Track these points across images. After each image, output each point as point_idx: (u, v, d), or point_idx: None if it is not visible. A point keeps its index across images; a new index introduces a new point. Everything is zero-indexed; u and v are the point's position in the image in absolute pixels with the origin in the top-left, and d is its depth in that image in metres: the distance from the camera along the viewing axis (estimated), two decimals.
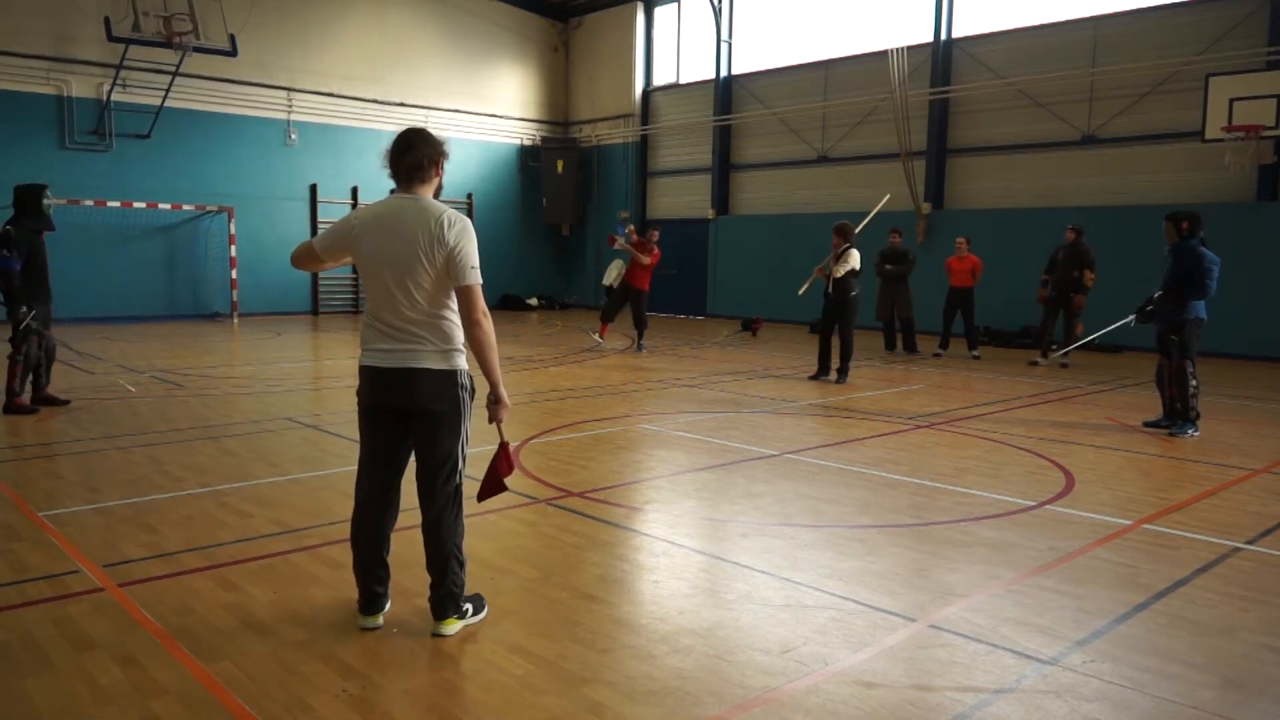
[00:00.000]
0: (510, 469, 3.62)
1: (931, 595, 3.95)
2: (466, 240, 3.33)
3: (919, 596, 3.94)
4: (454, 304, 3.41)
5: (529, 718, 2.87)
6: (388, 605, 3.64)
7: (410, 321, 3.35)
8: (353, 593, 3.68)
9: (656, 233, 14.02)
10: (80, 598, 3.79)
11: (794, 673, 3.19)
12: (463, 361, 3.46)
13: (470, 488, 3.66)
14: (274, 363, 11.87)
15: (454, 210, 3.39)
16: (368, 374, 3.44)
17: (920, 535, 4.83)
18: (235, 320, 18.31)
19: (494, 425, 3.55)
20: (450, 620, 3.49)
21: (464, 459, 3.53)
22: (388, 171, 3.44)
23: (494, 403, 3.48)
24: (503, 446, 3.62)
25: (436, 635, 3.47)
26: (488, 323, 3.37)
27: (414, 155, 3.36)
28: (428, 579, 3.55)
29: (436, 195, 3.49)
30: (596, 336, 14.03)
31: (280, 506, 5.18)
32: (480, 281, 3.37)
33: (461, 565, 3.51)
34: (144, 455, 6.44)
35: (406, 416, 3.45)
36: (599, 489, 5.69)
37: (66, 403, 8.26)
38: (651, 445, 7.11)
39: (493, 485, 3.61)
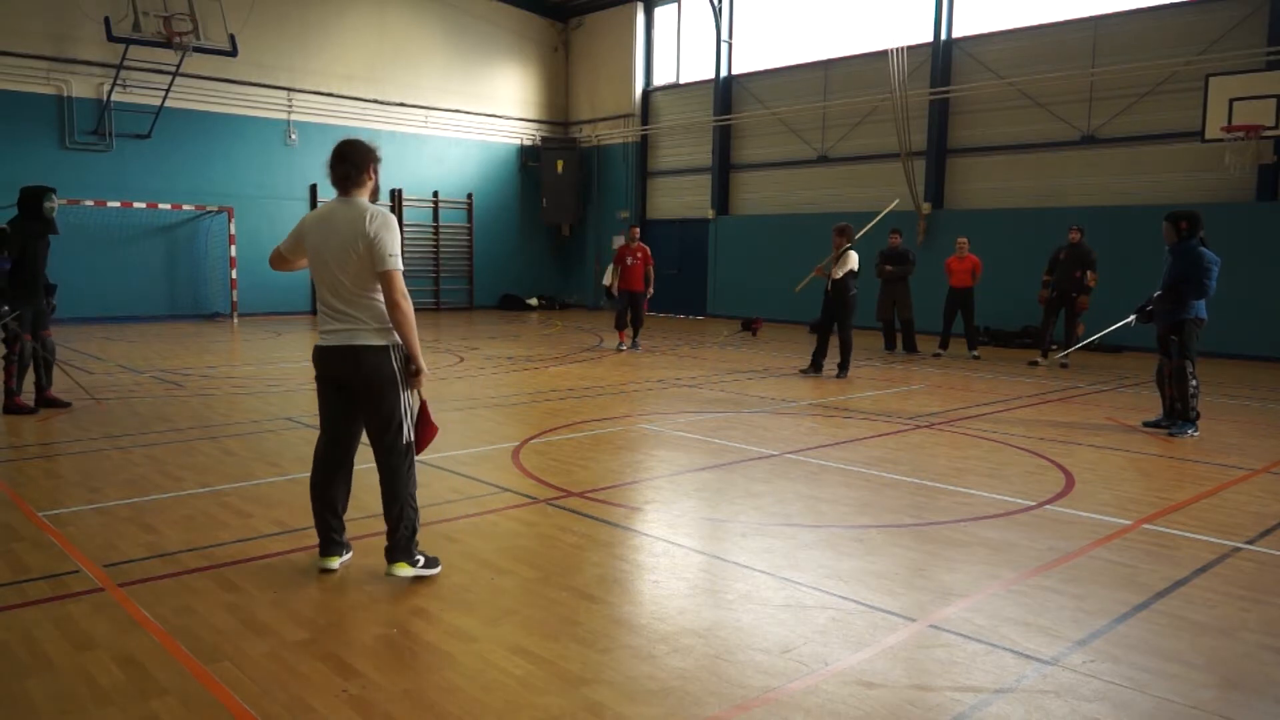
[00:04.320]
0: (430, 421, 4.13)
1: (931, 595, 3.95)
2: (385, 231, 3.82)
3: (919, 596, 3.94)
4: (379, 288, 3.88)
5: (529, 718, 2.87)
6: (346, 554, 4.15)
7: (347, 304, 3.86)
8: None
9: (637, 229, 14.07)
10: (80, 598, 3.79)
11: (794, 673, 3.19)
12: (396, 337, 3.92)
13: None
14: (274, 363, 11.87)
15: (379, 208, 3.92)
16: (320, 352, 3.97)
17: (920, 535, 4.83)
18: (235, 320, 18.31)
19: (415, 389, 4.03)
20: (402, 564, 3.93)
21: (410, 418, 3.98)
22: (330, 181, 3.97)
23: (415, 373, 3.96)
24: (424, 404, 4.10)
25: (390, 576, 3.92)
26: (407, 304, 3.85)
27: (342, 167, 3.91)
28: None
29: (375, 195, 4.03)
30: (620, 346, 13.88)
31: (280, 506, 5.18)
32: (400, 268, 3.84)
33: (415, 512, 3.98)
34: (144, 455, 6.44)
35: (350, 391, 3.96)
36: (599, 489, 5.69)
37: (68, 405, 8.25)
38: (651, 445, 7.11)
39: (425, 435, 4.07)
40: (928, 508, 5.36)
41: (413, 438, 3.99)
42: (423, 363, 3.96)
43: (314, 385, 4.14)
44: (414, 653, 3.34)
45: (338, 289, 3.85)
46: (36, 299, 7.91)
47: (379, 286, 3.85)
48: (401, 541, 3.92)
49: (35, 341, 7.96)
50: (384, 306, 3.87)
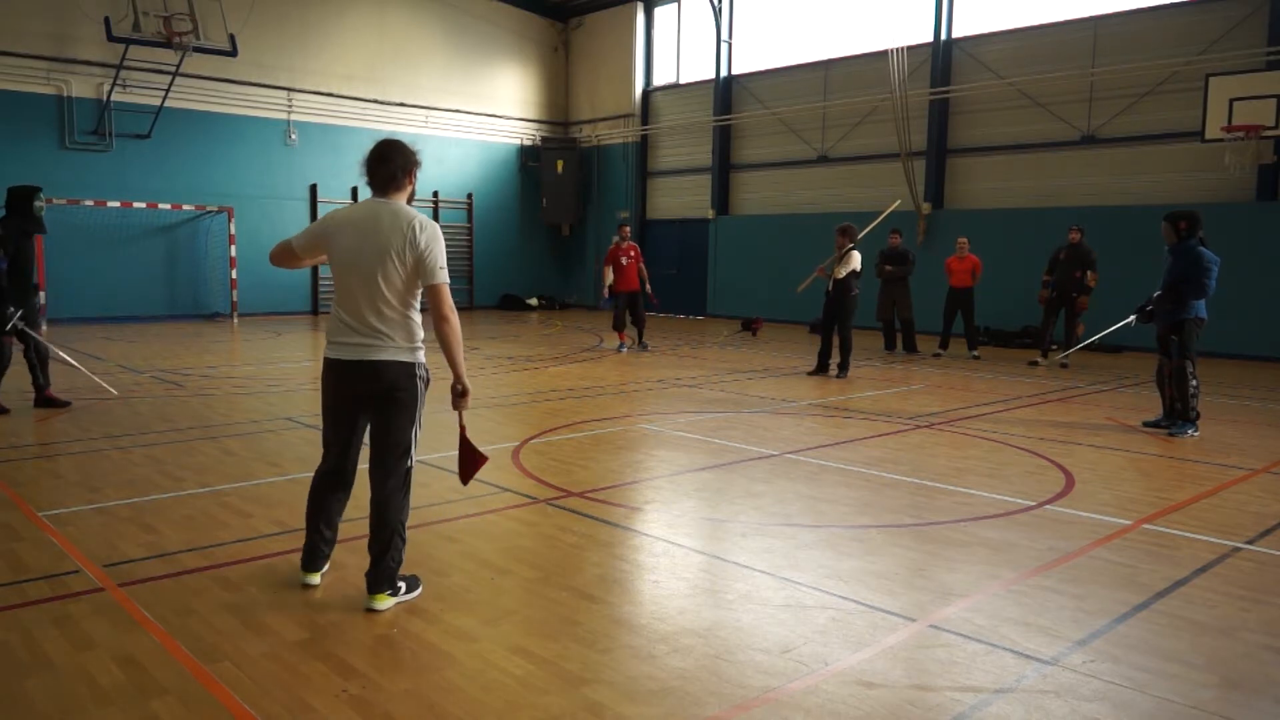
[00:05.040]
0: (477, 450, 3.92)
1: (931, 595, 3.95)
2: (436, 243, 3.63)
3: (919, 596, 3.94)
4: (418, 304, 3.71)
5: (529, 718, 2.87)
6: (326, 567, 4.02)
7: (381, 319, 3.62)
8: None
9: (627, 228, 14.01)
10: (80, 598, 3.79)
11: (794, 673, 3.19)
12: (423, 356, 3.75)
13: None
14: (274, 363, 11.87)
15: (424, 216, 3.70)
16: (334, 365, 3.70)
17: (920, 535, 4.83)
18: (235, 320, 18.31)
19: (457, 412, 3.79)
20: (383, 596, 3.69)
21: (416, 444, 3.81)
22: (365, 179, 3.73)
23: (460, 394, 3.71)
24: (463, 429, 3.89)
25: (369, 610, 3.66)
26: (455, 318, 3.64)
27: (389, 168, 3.69)
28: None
29: (410, 199, 3.81)
30: (620, 346, 13.79)
31: (280, 506, 5.18)
32: (448, 281, 3.65)
33: (403, 542, 3.76)
34: (144, 455, 6.44)
35: (367, 404, 3.71)
36: (599, 489, 5.69)
37: (68, 404, 8.25)
38: (651, 445, 7.11)
39: (471, 465, 3.88)
40: (928, 508, 5.36)
41: (413, 464, 3.80)
42: (467, 382, 3.71)
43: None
44: (414, 653, 3.33)
45: (374, 300, 3.59)
46: (29, 298, 7.93)
47: (415, 302, 3.65)
48: (386, 572, 3.68)
49: (25, 343, 7.96)
50: (416, 324, 3.68)
